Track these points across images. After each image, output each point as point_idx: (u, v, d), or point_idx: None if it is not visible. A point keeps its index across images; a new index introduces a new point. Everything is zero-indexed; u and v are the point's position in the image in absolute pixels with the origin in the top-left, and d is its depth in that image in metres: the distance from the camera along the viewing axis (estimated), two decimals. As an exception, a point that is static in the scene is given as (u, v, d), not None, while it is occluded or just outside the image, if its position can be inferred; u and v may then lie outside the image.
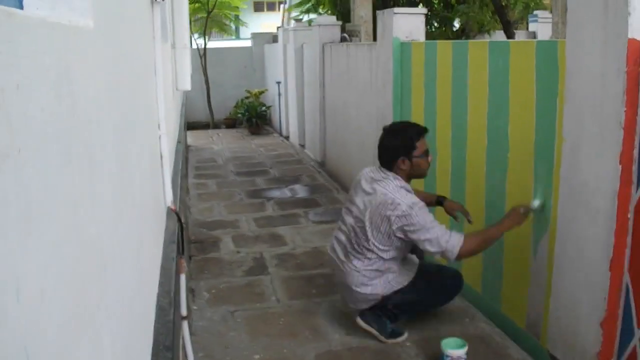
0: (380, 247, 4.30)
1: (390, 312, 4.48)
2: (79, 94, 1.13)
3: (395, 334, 4.46)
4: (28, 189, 0.77)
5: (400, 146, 4.32)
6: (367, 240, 4.32)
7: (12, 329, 0.69)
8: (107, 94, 1.48)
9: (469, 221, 4.58)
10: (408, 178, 4.39)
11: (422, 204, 4.23)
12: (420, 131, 4.36)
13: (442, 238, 4.13)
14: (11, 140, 0.71)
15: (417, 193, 4.48)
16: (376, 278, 4.37)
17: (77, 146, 1.09)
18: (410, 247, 4.47)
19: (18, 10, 0.79)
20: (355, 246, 4.41)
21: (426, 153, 4.36)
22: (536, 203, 4.19)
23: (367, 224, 4.30)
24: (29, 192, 0.77)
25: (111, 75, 1.59)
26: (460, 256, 4.18)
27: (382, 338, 4.45)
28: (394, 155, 4.33)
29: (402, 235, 4.22)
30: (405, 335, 4.49)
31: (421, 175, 4.47)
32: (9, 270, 0.69)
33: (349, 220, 4.49)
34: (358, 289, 4.41)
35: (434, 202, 4.72)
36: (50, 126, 0.90)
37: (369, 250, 4.34)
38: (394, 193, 4.22)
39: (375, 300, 4.42)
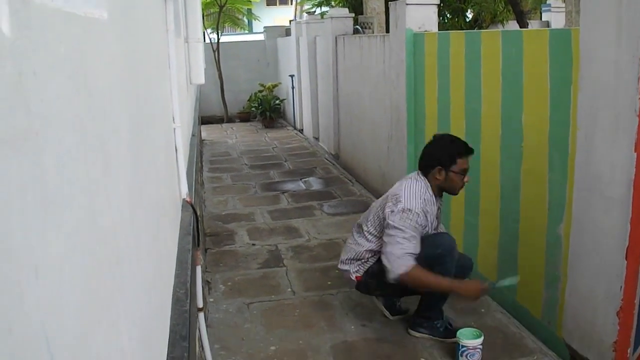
0: (373, 232, 4.40)
1: (382, 297, 4.68)
2: (94, 84, 1.14)
3: (449, 333, 4.38)
4: (46, 173, 0.79)
5: (441, 156, 4.33)
6: (367, 222, 4.45)
7: (31, 305, 0.70)
8: (122, 85, 1.49)
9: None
10: (439, 190, 4.40)
11: (420, 218, 4.21)
12: (466, 150, 4.35)
13: (392, 256, 4.15)
14: (29, 124, 0.72)
15: None
16: (356, 259, 4.49)
17: (92, 135, 1.10)
18: None
19: (34, -1, 0.80)
20: (358, 227, 4.57)
21: (464, 172, 4.33)
22: (504, 283, 4.26)
23: (374, 207, 4.45)
24: (46, 177, 0.78)
25: (125, 66, 1.59)
26: (396, 280, 4.18)
27: (437, 339, 4.43)
28: (433, 162, 4.35)
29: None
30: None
31: (452, 191, 4.44)
32: (27, 249, 0.70)
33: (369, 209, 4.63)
34: (339, 266, 4.60)
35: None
36: (66, 114, 0.91)
37: (364, 231, 4.47)
38: (407, 193, 4.26)
39: (351, 282, 4.57)
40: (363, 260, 4.45)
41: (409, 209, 4.17)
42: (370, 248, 4.41)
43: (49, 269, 0.77)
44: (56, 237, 0.82)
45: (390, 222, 4.18)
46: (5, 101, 0.65)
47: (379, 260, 4.34)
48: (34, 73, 0.75)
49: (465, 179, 4.38)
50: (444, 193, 4.45)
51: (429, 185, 4.33)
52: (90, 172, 1.06)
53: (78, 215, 0.95)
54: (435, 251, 4.18)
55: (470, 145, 4.37)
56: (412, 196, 4.23)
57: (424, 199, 4.27)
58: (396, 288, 4.41)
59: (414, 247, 4.15)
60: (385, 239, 4.21)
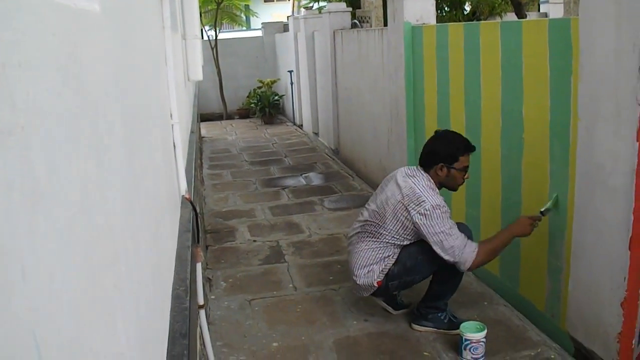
0: (394, 235, 4.33)
1: (395, 294, 4.65)
2: (86, 78, 1.11)
3: (453, 326, 4.41)
4: (34, 169, 0.76)
5: (444, 153, 4.32)
6: (385, 227, 4.33)
7: (19, 306, 0.68)
8: (116, 79, 1.46)
9: None
10: (440, 185, 4.39)
11: (446, 208, 4.24)
12: (468, 147, 4.35)
13: (456, 249, 4.13)
14: (14, 118, 0.69)
15: None
16: (376, 263, 4.39)
17: (84, 130, 1.07)
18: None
19: (19, -12, 0.77)
20: (369, 227, 4.43)
21: (465, 169, 4.36)
22: (547, 205, 4.19)
23: (389, 211, 4.31)
24: (35, 173, 0.76)
25: (120, 61, 1.57)
26: (471, 268, 4.21)
27: (443, 332, 4.43)
28: (435, 159, 4.34)
29: (418, 229, 4.23)
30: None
31: (453, 187, 4.47)
32: (14, 249, 0.67)
33: (372, 206, 4.52)
34: (357, 271, 4.45)
35: None
36: (56, 107, 0.88)
37: (381, 235, 4.36)
38: (422, 190, 4.24)
39: (371, 287, 4.43)
40: (385, 262, 4.37)
41: (437, 205, 4.18)
42: (393, 244, 4.35)
43: (38, 269, 0.75)
44: (46, 235, 0.79)
45: (428, 223, 4.16)
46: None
47: (397, 262, 4.35)
48: (19, 64, 0.72)
49: (466, 176, 4.39)
50: (442, 188, 4.43)
51: (431, 179, 4.33)
52: (83, 167, 1.04)
53: (70, 212, 0.92)
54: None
55: (472, 142, 4.36)
56: (429, 192, 4.23)
57: (436, 192, 4.31)
58: (415, 280, 4.43)
59: (459, 231, 4.20)
60: (433, 237, 4.15)
